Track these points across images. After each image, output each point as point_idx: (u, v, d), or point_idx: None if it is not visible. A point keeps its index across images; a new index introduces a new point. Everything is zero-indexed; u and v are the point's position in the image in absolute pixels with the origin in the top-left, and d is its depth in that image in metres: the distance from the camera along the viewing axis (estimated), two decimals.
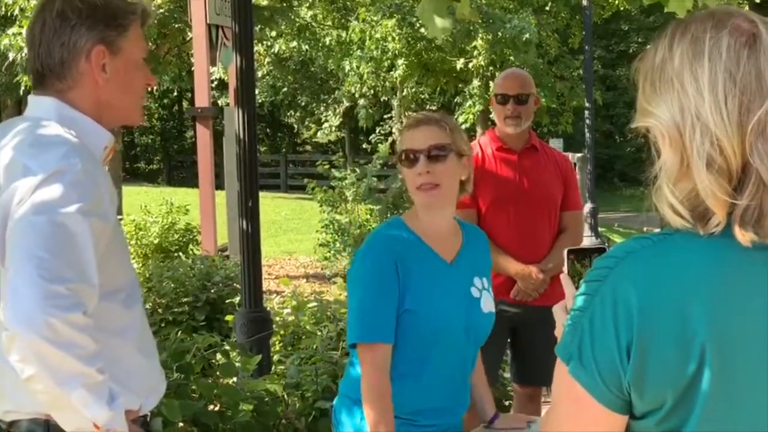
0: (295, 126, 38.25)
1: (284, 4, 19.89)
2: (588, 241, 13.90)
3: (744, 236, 1.38)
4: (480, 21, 20.67)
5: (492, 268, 4.42)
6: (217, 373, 4.58)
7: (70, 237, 2.07)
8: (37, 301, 1.97)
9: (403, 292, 2.78)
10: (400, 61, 22.90)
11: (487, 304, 2.92)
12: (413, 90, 25.26)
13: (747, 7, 16.66)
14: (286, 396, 4.56)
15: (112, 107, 2.39)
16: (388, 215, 11.85)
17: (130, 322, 2.38)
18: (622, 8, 23.98)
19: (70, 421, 2.10)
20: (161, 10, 14.54)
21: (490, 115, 23.24)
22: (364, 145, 34.14)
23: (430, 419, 2.87)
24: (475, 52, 22.11)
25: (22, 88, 14.87)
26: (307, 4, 23.62)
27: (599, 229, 17.39)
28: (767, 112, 1.37)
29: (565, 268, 1.75)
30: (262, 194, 5.86)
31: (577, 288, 1.62)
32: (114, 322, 2.27)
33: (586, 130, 17.96)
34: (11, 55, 14.26)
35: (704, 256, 1.42)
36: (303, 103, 35.33)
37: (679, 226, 1.43)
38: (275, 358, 5.62)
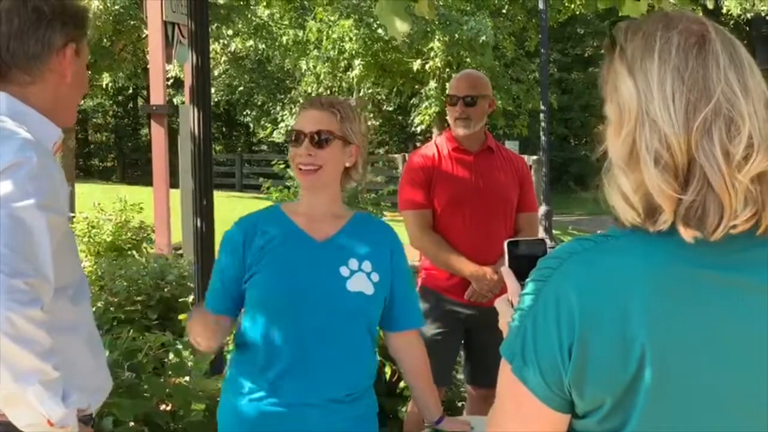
0: (251, 125, 38.10)
1: (241, 3, 19.85)
2: None
3: (687, 233, 1.40)
4: (437, 22, 20.73)
5: (446, 268, 4.48)
6: (169, 372, 4.56)
7: (28, 231, 2.04)
8: None
9: (251, 263, 2.96)
10: (356, 62, 22.90)
11: (357, 284, 2.94)
12: (370, 90, 25.28)
13: (700, 13, 16.85)
14: None
15: (64, 107, 2.42)
16: None
17: (78, 319, 2.36)
18: (578, 12, 24.17)
19: (24, 417, 2.08)
20: (117, 7, 14.45)
21: (447, 117, 23.26)
22: None
23: (286, 394, 2.92)
24: (432, 54, 22.17)
25: None
26: (264, 3, 23.50)
27: (554, 231, 17.52)
28: (713, 111, 1.40)
29: (505, 261, 1.76)
30: (216, 193, 5.83)
31: (521, 283, 1.64)
32: (62, 319, 2.24)
33: (541, 132, 18.11)
34: None
35: (645, 258, 1.44)
36: (259, 103, 35.24)
37: (630, 220, 1.45)
38: (228, 357, 5.60)
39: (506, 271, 1.73)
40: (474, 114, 4.62)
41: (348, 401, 2.95)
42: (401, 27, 4.33)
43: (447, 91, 4.77)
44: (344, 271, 2.94)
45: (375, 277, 2.96)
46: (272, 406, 2.93)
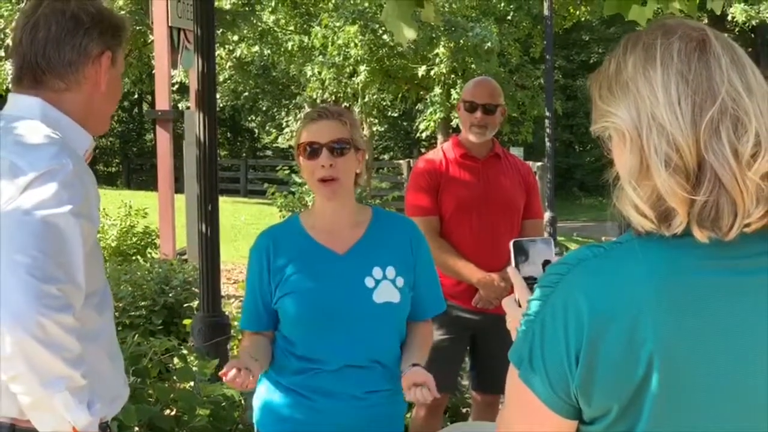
0: (256, 131, 38.11)
1: (247, 9, 19.87)
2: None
3: (702, 234, 1.40)
4: (442, 28, 20.72)
5: (453, 275, 4.48)
6: (174, 377, 4.56)
7: (62, 238, 2.06)
8: (29, 300, 1.95)
9: (278, 281, 3.00)
10: (362, 68, 22.85)
11: (384, 294, 2.97)
12: (375, 96, 25.20)
13: (706, 20, 16.86)
14: (243, 401, 4.54)
15: (97, 115, 2.42)
16: None
17: (101, 327, 2.36)
18: (583, 19, 24.17)
19: (49, 423, 2.09)
20: (123, 12, 14.46)
21: (452, 123, 23.05)
22: None
23: (323, 401, 2.97)
24: (437, 60, 22.16)
25: None
26: (270, 9, 23.58)
27: (558, 238, 17.49)
28: (719, 111, 1.41)
29: (511, 261, 1.76)
30: (221, 199, 5.84)
31: (527, 283, 1.66)
32: (88, 328, 2.24)
33: (546, 139, 18.10)
34: None
35: (654, 266, 1.44)
36: (264, 108, 35.24)
37: (646, 227, 1.44)
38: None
39: (512, 270, 1.73)
40: (491, 122, 4.63)
41: (367, 398, 2.99)
42: (408, 33, 4.34)
43: (462, 97, 4.73)
44: (369, 282, 2.97)
45: (400, 282, 3.00)
46: (307, 408, 2.98)
